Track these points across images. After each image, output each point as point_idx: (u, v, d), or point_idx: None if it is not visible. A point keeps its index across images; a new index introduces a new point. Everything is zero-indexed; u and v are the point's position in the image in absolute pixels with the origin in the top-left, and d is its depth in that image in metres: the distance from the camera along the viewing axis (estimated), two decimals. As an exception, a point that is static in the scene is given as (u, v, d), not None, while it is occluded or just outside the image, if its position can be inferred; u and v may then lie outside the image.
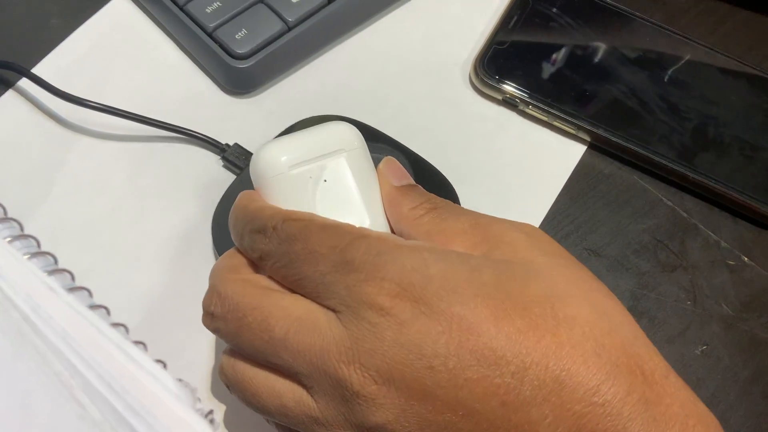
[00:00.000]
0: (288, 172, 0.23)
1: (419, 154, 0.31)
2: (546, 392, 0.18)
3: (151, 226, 0.30)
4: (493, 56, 0.34)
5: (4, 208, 0.25)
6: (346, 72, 0.35)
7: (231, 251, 0.23)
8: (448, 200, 0.23)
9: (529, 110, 0.33)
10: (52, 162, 0.31)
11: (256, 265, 0.22)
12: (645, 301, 0.30)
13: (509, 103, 0.34)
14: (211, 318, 0.21)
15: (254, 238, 0.21)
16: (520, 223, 0.22)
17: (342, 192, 0.23)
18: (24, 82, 0.33)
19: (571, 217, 0.32)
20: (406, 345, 0.18)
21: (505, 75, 0.34)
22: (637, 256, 0.31)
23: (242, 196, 0.23)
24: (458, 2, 0.37)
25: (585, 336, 0.18)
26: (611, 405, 0.18)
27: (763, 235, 0.32)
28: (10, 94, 0.33)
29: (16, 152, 0.31)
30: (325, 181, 0.23)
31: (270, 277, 0.22)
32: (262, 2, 0.34)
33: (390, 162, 0.24)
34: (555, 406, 0.18)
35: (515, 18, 0.35)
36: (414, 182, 0.24)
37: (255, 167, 0.23)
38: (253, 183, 0.24)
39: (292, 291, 0.21)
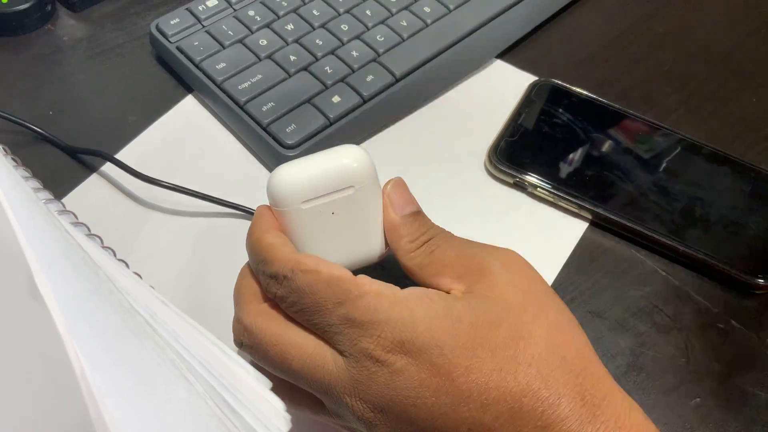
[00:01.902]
0: (300, 206, 0.26)
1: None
2: (503, 421, 0.22)
3: (212, 288, 0.35)
4: (504, 147, 0.40)
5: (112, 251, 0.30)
6: (380, 159, 0.40)
7: (248, 271, 0.27)
8: (442, 229, 0.27)
9: (537, 192, 0.38)
10: (129, 233, 0.37)
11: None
12: (643, 358, 0.34)
13: (519, 186, 0.39)
14: (240, 344, 0.26)
15: (268, 282, 0.26)
16: (501, 251, 0.26)
17: (349, 224, 0.27)
18: (107, 167, 0.39)
19: (576, 284, 0.36)
20: (396, 388, 0.23)
21: (515, 162, 0.39)
22: (635, 318, 0.35)
23: (257, 221, 0.27)
24: (476, 101, 0.43)
25: (539, 374, 0.23)
26: (552, 427, 0.22)
27: (747, 300, 0.35)
28: (95, 176, 0.39)
29: (100, 225, 0.37)
30: (333, 213, 0.27)
31: None
32: (309, 102, 0.40)
33: (396, 186, 0.28)
34: (509, 430, 0.22)
35: (523, 115, 0.41)
36: (416, 207, 0.28)
37: (270, 195, 0.26)
38: (269, 203, 0.27)
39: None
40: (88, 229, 0.26)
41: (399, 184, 0.28)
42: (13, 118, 0.39)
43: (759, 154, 0.41)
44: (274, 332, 0.25)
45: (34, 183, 0.31)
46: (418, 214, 0.28)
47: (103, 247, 0.25)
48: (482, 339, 0.23)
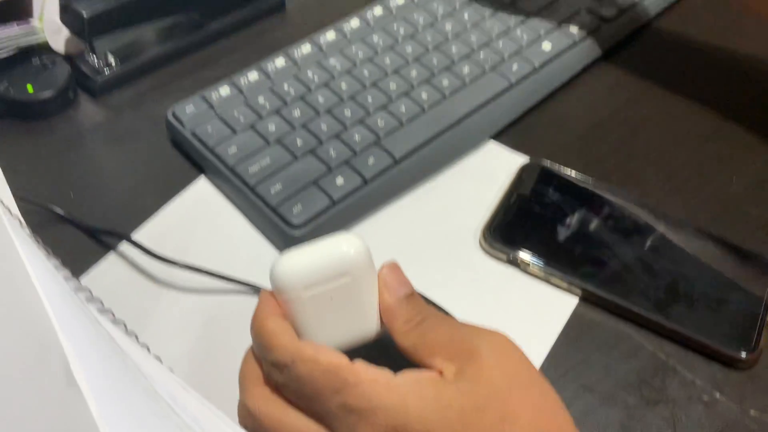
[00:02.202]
0: (301, 294, 0.29)
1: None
2: None
3: (222, 365, 0.37)
4: (498, 225, 0.42)
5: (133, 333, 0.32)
6: (379, 237, 0.43)
7: (252, 355, 0.30)
8: (434, 311, 0.29)
9: (529, 269, 0.41)
10: (144, 311, 0.39)
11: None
12: (633, 430, 0.35)
13: (512, 262, 0.41)
14: (245, 426, 0.28)
15: (270, 368, 0.28)
16: (490, 334, 0.28)
17: (348, 308, 0.29)
18: (124, 246, 0.41)
19: (567, 359, 0.38)
20: None
21: (508, 240, 0.41)
22: (624, 392, 0.37)
23: (261, 306, 0.29)
24: (471, 180, 0.46)
25: None
26: None
27: (731, 373, 0.37)
28: (112, 255, 0.41)
29: (117, 303, 0.39)
30: (332, 299, 0.29)
31: None
32: (315, 184, 0.43)
33: (391, 269, 0.30)
34: None
35: (515, 194, 0.44)
36: (410, 289, 0.30)
37: (273, 283, 0.29)
38: (272, 290, 0.29)
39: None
40: (113, 315, 0.28)
41: (393, 267, 0.31)
42: (33, 200, 0.42)
43: (738, 232, 0.43)
44: (276, 417, 0.27)
45: (54, 261, 0.33)
46: (412, 296, 0.30)
47: (127, 332, 0.27)
48: (470, 424, 0.25)
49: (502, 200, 0.44)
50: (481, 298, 0.40)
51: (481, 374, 0.27)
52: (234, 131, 0.45)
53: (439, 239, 0.43)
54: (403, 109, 0.47)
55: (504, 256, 0.41)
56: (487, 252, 0.42)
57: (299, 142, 0.45)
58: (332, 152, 0.44)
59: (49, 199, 0.42)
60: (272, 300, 0.30)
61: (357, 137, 0.45)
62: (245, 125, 0.46)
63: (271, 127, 0.46)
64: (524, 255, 0.41)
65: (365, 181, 0.43)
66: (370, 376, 0.26)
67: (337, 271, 0.29)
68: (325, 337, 0.29)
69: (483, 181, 0.46)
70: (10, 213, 0.28)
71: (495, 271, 0.41)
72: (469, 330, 0.29)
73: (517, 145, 0.48)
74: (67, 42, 0.49)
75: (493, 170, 0.46)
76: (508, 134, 0.49)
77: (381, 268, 0.31)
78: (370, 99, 0.48)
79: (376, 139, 0.45)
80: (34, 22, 0.49)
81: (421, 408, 0.26)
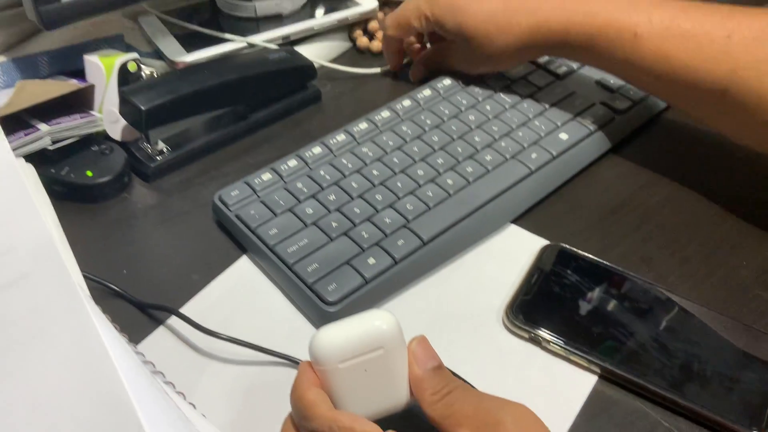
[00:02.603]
0: (338, 366, 0.32)
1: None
2: None
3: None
4: (520, 304, 0.45)
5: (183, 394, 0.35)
6: (408, 314, 0.46)
7: (291, 423, 0.32)
8: (461, 382, 0.32)
9: (550, 347, 0.43)
10: (188, 381, 0.42)
11: None
12: (651, 506, 0.37)
13: (534, 341, 0.44)
14: None
15: None
16: (514, 406, 0.31)
17: (380, 379, 0.32)
18: (172, 320, 0.45)
19: (587, 434, 0.40)
20: None
21: (530, 319, 0.44)
22: (642, 467, 0.38)
23: (300, 377, 0.32)
24: (493, 261, 0.49)
25: None
26: None
27: (745, 452, 0.39)
28: (162, 329, 0.44)
29: (167, 374, 0.42)
30: (366, 370, 0.32)
31: None
32: (348, 263, 0.46)
33: (420, 342, 0.33)
34: None
35: (536, 275, 0.47)
36: (438, 362, 0.33)
37: (312, 355, 0.32)
38: (311, 361, 0.33)
39: None
40: (174, 387, 0.31)
41: (422, 341, 0.34)
42: (92, 277, 0.46)
43: (749, 314, 0.45)
44: None
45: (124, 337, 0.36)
46: (440, 368, 0.33)
47: (189, 402, 0.30)
48: None
49: (523, 280, 0.47)
50: (504, 375, 0.42)
51: None
52: (274, 214, 0.49)
53: (465, 316, 0.46)
54: (430, 193, 0.51)
55: (526, 334, 0.44)
56: (509, 330, 0.45)
57: (334, 224, 0.48)
58: (365, 234, 0.48)
59: (105, 275, 0.46)
60: (311, 371, 0.33)
61: (387, 220, 0.49)
62: (285, 208, 0.49)
63: (309, 210, 0.49)
64: (545, 334, 0.43)
65: (395, 261, 0.47)
66: None
67: (371, 345, 0.32)
68: (359, 407, 0.32)
69: (505, 262, 0.49)
70: (82, 291, 0.32)
71: (517, 349, 0.44)
72: (494, 402, 0.31)
73: (536, 229, 0.51)
74: (124, 131, 0.54)
75: (514, 252, 0.50)
76: (528, 218, 0.52)
77: (411, 341, 0.34)
78: (399, 184, 0.52)
79: (405, 221, 0.49)
80: (95, 113, 0.54)
81: None
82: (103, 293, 0.46)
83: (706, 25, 0.46)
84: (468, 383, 0.37)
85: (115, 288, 0.46)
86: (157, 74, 0.59)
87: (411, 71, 0.65)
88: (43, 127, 0.51)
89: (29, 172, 0.43)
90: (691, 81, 0.47)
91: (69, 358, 0.27)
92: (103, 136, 0.55)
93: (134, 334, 0.44)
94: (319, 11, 0.68)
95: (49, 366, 0.27)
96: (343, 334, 0.32)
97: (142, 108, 0.51)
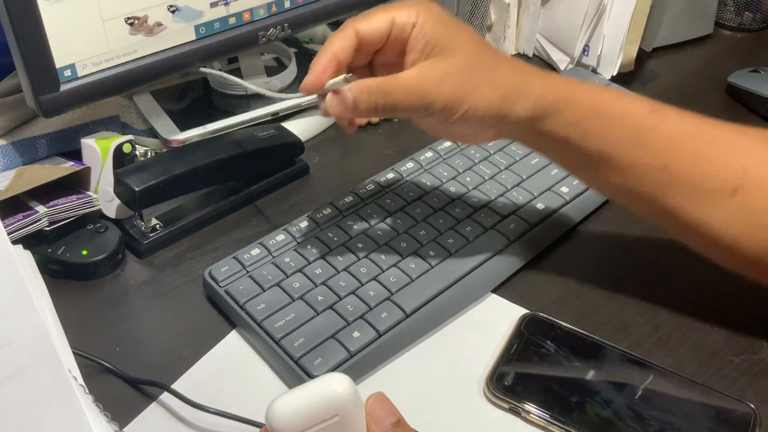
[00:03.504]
0: None
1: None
2: None
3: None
4: (500, 375, 0.47)
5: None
6: (391, 386, 0.47)
7: None
8: None
9: (530, 417, 0.45)
10: (179, 457, 0.43)
11: None
12: None
13: (514, 411, 0.45)
14: None
15: None
16: None
17: None
18: (164, 395, 0.46)
19: (566, 504, 0.41)
20: None
21: (509, 390, 0.46)
22: None
23: None
24: (474, 331, 0.51)
25: None
26: None
27: None
28: (154, 405, 0.46)
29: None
30: None
31: None
32: (333, 337, 0.48)
33: (377, 400, 0.33)
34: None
35: (515, 346, 0.48)
36: (396, 417, 0.33)
37: (269, 424, 0.32)
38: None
39: None
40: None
41: (379, 398, 0.34)
42: (85, 354, 0.47)
43: (720, 380, 0.47)
44: None
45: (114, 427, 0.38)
46: (399, 424, 0.34)
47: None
48: None
49: (503, 351, 0.48)
50: (486, 445, 0.44)
51: None
52: (263, 288, 0.51)
53: (447, 387, 0.47)
54: (413, 265, 0.53)
55: (506, 405, 0.45)
56: (490, 400, 0.46)
57: (320, 297, 0.50)
58: (350, 307, 0.50)
59: (98, 352, 0.48)
60: None
61: (371, 293, 0.51)
62: (272, 282, 0.51)
63: (296, 284, 0.51)
64: (524, 405, 0.45)
65: (379, 334, 0.48)
66: None
67: (328, 411, 0.32)
68: None
69: (486, 331, 0.51)
70: (75, 383, 0.33)
71: (498, 419, 0.45)
72: None
73: (516, 298, 0.53)
74: (118, 209, 0.57)
75: (495, 321, 0.51)
76: (507, 288, 0.54)
77: (368, 399, 0.34)
78: (383, 257, 0.54)
79: (389, 294, 0.51)
80: (91, 193, 0.57)
81: None
82: (96, 370, 0.47)
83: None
84: None
85: (108, 365, 0.47)
86: (151, 153, 0.61)
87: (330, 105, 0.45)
88: (41, 208, 0.53)
89: (26, 258, 0.45)
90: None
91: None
92: (98, 215, 0.57)
93: (127, 409, 0.45)
94: (307, 87, 0.71)
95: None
96: (300, 402, 0.32)
97: (136, 189, 0.53)
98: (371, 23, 0.44)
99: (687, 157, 0.45)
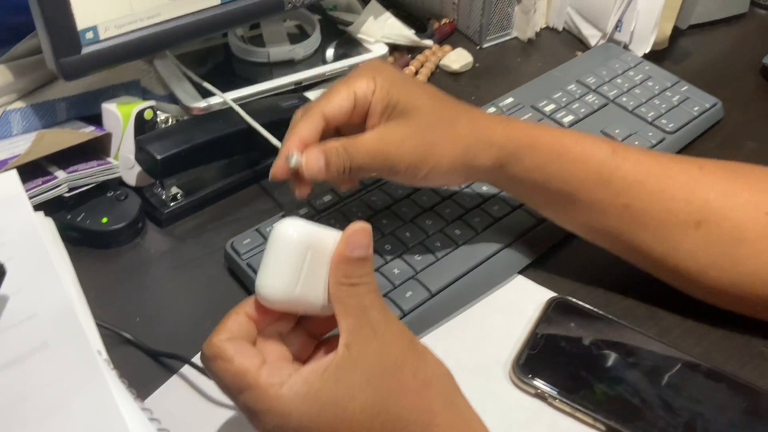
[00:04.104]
0: (294, 293, 0.35)
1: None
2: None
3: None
4: (526, 359, 0.46)
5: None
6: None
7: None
8: (368, 282, 0.35)
9: (556, 403, 0.44)
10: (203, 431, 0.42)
11: None
12: None
13: (540, 396, 0.44)
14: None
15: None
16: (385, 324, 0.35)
17: (319, 275, 0.35)
18: (186, 369, 0.45)
19: (592, 493, 0.40)
20: None
21: (536, 374, 0.45)
22: None
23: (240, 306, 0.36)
24: (500, 313, 0.50)
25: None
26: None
27: None
28: (175, 378, 0.45)
29: (180, 424, 0.43)
30: (308, 274, 0.34)
31: None
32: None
33: (359, 230, 0.35)
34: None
35: (542, 329, 0.47)
36: (365, 253, 0.35)
37: (263, 302, 0.35)
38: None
39: None
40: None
41: (362, 229, 0.35)
42: (105, 325, 0.46)
43: (752, 370, 0.46)
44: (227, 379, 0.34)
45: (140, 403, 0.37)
46: (364, 260, 0.35)
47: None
48: (340, 418, 0.32)
49: (529, 335, 0.47)
50: (511, 430, 0.43)
51: (362, 357, 0.33)
52: (285, 263, 0.50)
53: (472, 370, 0.46)
54: (438, 243, 0.52)
55: (532, 390, 0.44)
56: (516, 385, 0.45)
57: (344, 274, 0.49)
58: (374, 285, 0.49)
59: (118, 322, 0.47)
60: (250, 305, 0.36)
61: (396, 270, 0.50)
62: (295, 258, 0.50)
63: (319, 260, 0.50)
64: (551, 390, 0.44)
65: (404, 313, 0.47)
66: (267, 381, 0.32)
67: (295, 255, 0.34)
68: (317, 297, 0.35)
69: (512, 314, 0.50)
70: (101, 358, 0.32)
71: (524, 404, 0.44)
72: (379, 312, 0.34)
73: (543, 280, 0.52)
74: (139, 177, 0.55)
75: (521, 304, 0.50)
76: (535, 269, 0.53)
77: (351, 224, 0.35)
78: (408, 234, 0.52)
79: (414, 272, 0.50)
80: (111, 159, 0.55)
81: (300, 413, 0.32)
82: (116, 341, 0.47)
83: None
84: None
85: (128, 336, 0.46)
86: (172, 120, 0.60)
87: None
88: (61, 174, 0.52)
89: (48, 226, 0.44)
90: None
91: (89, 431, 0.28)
92: (117, 182, 0.56)
93: (147, 383, 0.44)
94: (331, 57, 0.69)
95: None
96: (269, 266, 0.34)
97: (158, 157, 0.52)
98: (335, 103, 0.45)
99: (649, 195, 0.46)
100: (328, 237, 0.35)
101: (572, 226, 0.50)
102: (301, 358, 0.38)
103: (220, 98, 0.60)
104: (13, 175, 0.44)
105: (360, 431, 0.33)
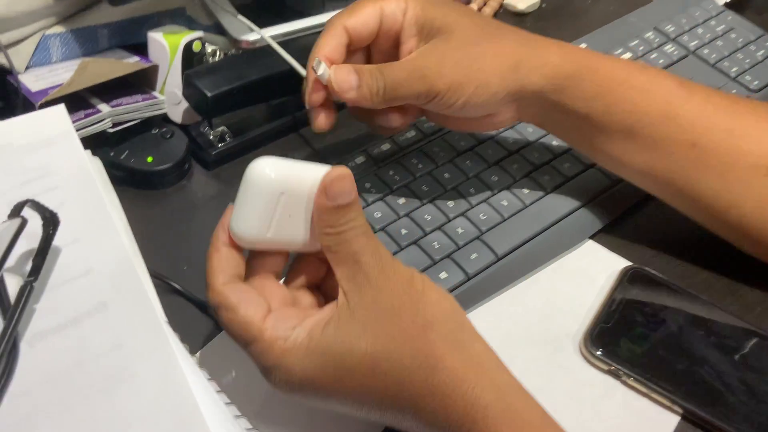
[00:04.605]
0: (267, 237, 0.33)
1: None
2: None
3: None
4: (599, 333, 0.43)
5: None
6: (481, 332, 0.43)
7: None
8: (355, 227, 0.32)
9: (630, 381, 0.41)
10: (254, 390, 0.40)
11: None
12: None
13: (614, 374, 0.41)
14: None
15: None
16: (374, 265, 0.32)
17: (300, 217, 0.33)
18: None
19: (668, 480, 0.38)
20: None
21: (609, 350, 0.42)
22: None
23: (215, 235, 0.35)
24: (569, 280, 0.47)
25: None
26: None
27: None
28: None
29: (230, 382, 0.40)
30: (290, 216, 0.33)
31: None
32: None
33: (338, 177, 0.32)
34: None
35: (617, 301, 0.44)
36: (348, 200, 0.32)
37: (237, 240, 0.34)
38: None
39: None
40: (248, 423, 0.30)
41: (342, 176, 0.32)
42: (154, 273, 0.44)
43: (843, 358, 0.43)
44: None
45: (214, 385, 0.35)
46: (347, 207, 0.32)
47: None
48: (342, 369, 0.31)
49: (602, 306, 0.44)
50: (581, 407, 0.40)
51: (359, 308, 0.32)
52: (342, 216, 0.47)
53: (539, 340, 0.43)
54: (504, 202, 0.48)
55: (605, 366, 0.42)
56: (587, 360, 0.42)
57: (403, 231, 0.46)
58: (435, 245, 0.45)
59: (165, 270, 0.44)
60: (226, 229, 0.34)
61: (460, 230, 0.46)
62: (353, 210, 0.47)
63: (377, 214, 0.47)
64: (625, 367, 0.41)
65: (468, 277, 0.44)
66: (272, 334, 0.31)
67: (268, 196, 0.32)
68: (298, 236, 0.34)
69: (582, 281, 0.46)
70: (164, 320, 0.29)
71: (595, 381, 0.42)
72: (372, 258, 0.32)
73: (616, 247, 0.48)
74: (185, 114, 0.52)
75: (592, 271, 0.47)
76: (607, 235, 0.49)
77: (329, 171, 0.33)
78: (472, 190, 0.49)
79: (479, 233, 0.46)
80: (156, 94, 0.52)
81: (303, 373, 0.31)
82: (164, 290, 0.44)
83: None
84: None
85: (177, 286, 0.44)
86: (220, 53, 0.56)
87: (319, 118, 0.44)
88: (104, 108, 0.48)
89: (97, 168, 0.40)
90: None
91: (156, 406, 0.25)
92: (161, 118, 0.52)
93: (197, 336, 0.42)
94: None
95: (135, 415, 0.25)
96: (242, 207, 0.33)
97: (209, 94, 0.48)
98: (359, 17, 0.41)
99: (718, 132, 0.42)
100: (306, 175, 0.33)
101: (628, 171, 0.45)
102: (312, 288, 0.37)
103: (271, 31, 0.56)
104: (62, 110, 0.40)
105: (363, 381, 0.31)
